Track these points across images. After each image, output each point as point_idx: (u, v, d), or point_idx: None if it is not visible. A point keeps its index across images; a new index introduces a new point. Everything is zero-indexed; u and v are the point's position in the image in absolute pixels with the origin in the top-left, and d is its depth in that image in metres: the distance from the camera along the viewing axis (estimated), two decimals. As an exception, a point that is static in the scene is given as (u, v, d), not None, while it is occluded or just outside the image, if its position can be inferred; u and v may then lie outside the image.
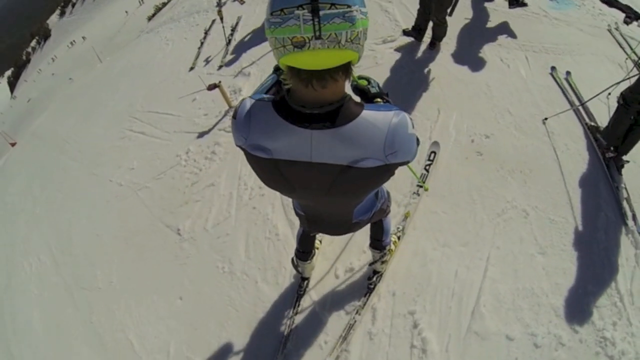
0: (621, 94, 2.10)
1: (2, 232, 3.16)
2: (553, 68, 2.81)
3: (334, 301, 2.27)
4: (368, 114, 0.82)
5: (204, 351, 2.28)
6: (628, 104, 2.02)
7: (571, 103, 2.62)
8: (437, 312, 2.09)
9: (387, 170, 0.88)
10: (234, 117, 0.91)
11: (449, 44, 3.21)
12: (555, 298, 1.89)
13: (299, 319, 2.24)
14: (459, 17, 3.19)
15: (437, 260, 2.25)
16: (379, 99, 1.12)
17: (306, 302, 2.29)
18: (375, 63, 3.28)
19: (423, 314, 2.10)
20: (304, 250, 2.02)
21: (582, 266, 1.95)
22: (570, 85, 2.70)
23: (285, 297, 2.36)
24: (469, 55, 3.13)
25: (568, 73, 2.76)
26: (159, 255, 2.76)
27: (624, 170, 2.21)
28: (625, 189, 2.16)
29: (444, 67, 3.10)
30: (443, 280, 2.18)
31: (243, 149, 0.93)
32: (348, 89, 0.87)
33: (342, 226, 1.37)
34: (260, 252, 2.58)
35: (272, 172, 0.92)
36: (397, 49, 3.31)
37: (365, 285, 2.21)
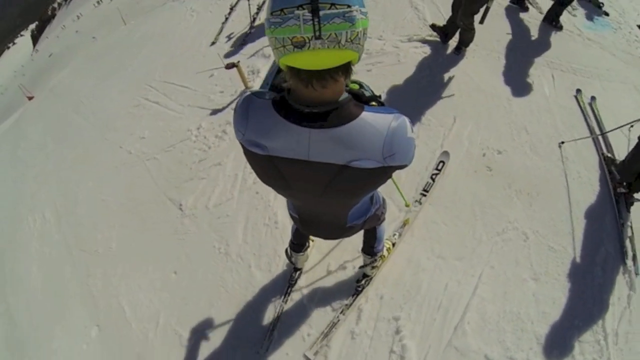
0: None
1: (11, 186, 3.25)
2: (578, 91, 2.71)
3: (323, 296, 2.30)
4: (368, 116, 0.82)
5: (192, 326, 2.36)
6: None
7: (591, 130, 2.54)
8: (421, 322, 2.11)
9: (384, 173, 0.89)
10: (235, 110, 0.92)
11: (475, 50, 3.12)
12: (540, 326, 1.89)
13: (286, 308, 2.29)
14: (490, 25, 3.08)
15: (429, 271, 2.25)
16: (373, 103, 1.11)
17: (296, 293, 2.33)
18: (398, 61, 3.21)
19: (407, 321, 2.12)
20: (299, 243, 2.04)
21: (572, 298, 1.94)
22: (593, 111, 2.61)
23: (276, 285, 2.40)
24: (493, 65, 3.04)
25: (593, 98, 2.67)
26: (160, 228, 2.82)
27: (632, 208, 2.16)
28: (631, 227, 2.12)
29: (466, 74, 3.02)
30: (432, 291, 2.19)
31: (241, 143, 0.94)
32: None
33: (335, 230, 1.38)
34: (258, 238, 2.61)
35: (269, 168, 0.93)
36: (422, 47, 3.22)
37: (354, 286, 2.24)
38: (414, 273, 2.26)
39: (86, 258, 2.80)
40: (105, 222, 2.95)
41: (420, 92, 2.99)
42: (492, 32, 3.14)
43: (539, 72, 2.90)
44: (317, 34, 0.68)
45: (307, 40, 0.69)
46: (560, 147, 2.50)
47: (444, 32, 3.17)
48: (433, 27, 3.28)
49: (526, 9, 3.35)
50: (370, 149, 0.83)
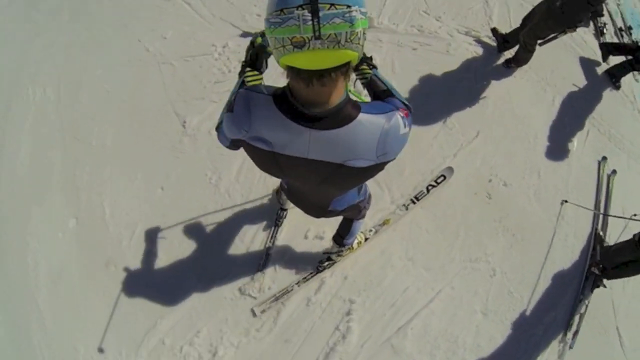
0: None
1: (18, 47, 3.02)
2: (604, 158, 2.66)
3: (293, 260, 2.42)
4: (364, 118, 0.85)
5: (165, 245, 2.47)
6: None
7: (597, 204, 2.56)
8: (372, 312, 2.29)
9: (377, 168, 0.94)
10: (230, 110, 0.91)
11: (525, 72, 2.93)
12: (469, 355, 2.08)
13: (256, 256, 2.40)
14: (551, 53, 2.86)
15: (397, 269, 2.38)
16: (363, 66, 1.17)
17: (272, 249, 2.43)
18: (447, 51, 3.00)
19: (360, 307, 2.30)
20: None
21: (507, 344, 2.13)
22: (608, 184, 2.60)
23: (255, 231, 2.48)
24: (537, 94, 2.89)
25: (614, 172, 2.63)
26: (158, 139, 2.77)
27: (596, 291, 2.28)
28: (587, 306, 2.26)
29: (507, 93, 2.88)
30: (392, 288, 2.34)
31: (239, 140, 0.94)
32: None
33: (317, 210, 1.46)
34: (250, 181, 2.63)
35: (270, 162, 0.95)
36: (475, 45, 3.01)
37: (316, 264, 2.34)
38: (383, 266, 2.39)
39: (78, 148, 2.76)
40: (105, 116, 2.86)
41: (455, 92, 2.86)
42: (550, 61, 2.93)
43: (576, 122, 2.79)
44: (317, 34, 0.68)
45: (307, 41, 0.69)
46: (562, 204, 2.52)
47: (504, 41, 2.95)
48: (494, 31, 3.04)
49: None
50: (365, 149, 0.87)
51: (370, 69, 1.18)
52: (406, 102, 1.07)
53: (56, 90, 2.95)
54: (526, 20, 2.74)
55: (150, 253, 2.46)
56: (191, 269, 2.42)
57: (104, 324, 2.34)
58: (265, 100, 0.87)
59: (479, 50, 3.03)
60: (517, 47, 2.87)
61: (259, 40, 1.23)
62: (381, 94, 1.10)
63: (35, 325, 2.35)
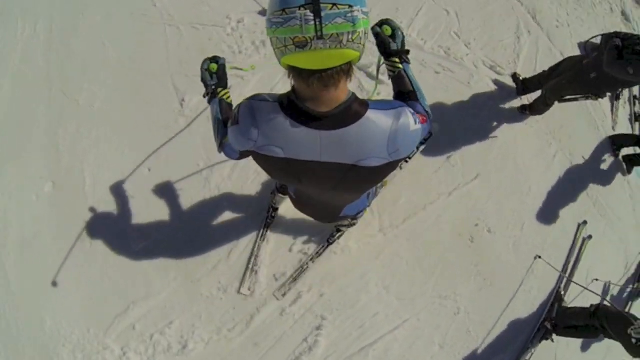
0: (598, 308, 2.26)
1: None
2: (585, 222, 2.80)
3: (283, 257, 2.47)
4: (372, 115, 0.84)
5: (146, 231, 2.42)
6: (597, 318, 2.20)
7: (566, 264, 2.72)
8: (340, 330, 2.41)
9: (391, 167, 0.93)
10: (236, 122, 0.90)
11: (537, 122, 2.91)
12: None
13: (245, 254, 2.42)
14: (568, 108, 2.86)
15: (371, 295, 2.48)
16: (396, 59, 1.12)
17: (262, 249, 2.44)
18: (467, 83, 2.91)
19: (330, 324, 2.41)
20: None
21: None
22: (581, 247, 2.75)
23: (244, 231, 2.47)
24: (541, 148, 2.89)
25: (590, 237, 2.78)
26: (152, 113, 2.59)
27: (544, 342, 2.50)
28: (532, 355, 2.49)
29: (514, 140, 2.87)
30: (363, 312, 2.46)
31: (248, 152, 0.93)
32: (351, 86, 0.88)
33: (328, 216, 1.47)
34: (243, 180, 2.56)
35: (284, 169, 0.94)
36: (496, 83, 2.94)
37: (300, 268, 2.42)
38: (359, 290, 2.48)
39: (64, 103, 2.52)
40: (97, 73, 2.60)
41: (466, 128, 2.83)
42: (562, 115, 2.90)
43: (570, 183, 2.87)
44: (319, 34, 0.68)
45: (309, 41, 0.69)
46: (535, 259, 2.67)
47: (524, 87, 2.90)
48: (515, 77, 2.96)
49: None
50: (377, 147, 0.86)
51: (401, 63, 1.13)
52: (427, 109, 1.08)
53: (47, 30, 2.63)
54: (553, 71, 2.68)
55: (128, 237, 2.40)
56: (171, 260, 2.40)
57: (73, 300, 2.32)
58: (271, 107, 0.86)
59: (498, 89, 2.96)
60: (535, 93, 2.85)
61: (214, 66, 1.30)
62: (405, 95, 1.09)
63: (0, 290, 2.28)
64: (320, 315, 2.41)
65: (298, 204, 1.47)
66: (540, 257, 2.65)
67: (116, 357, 2.28)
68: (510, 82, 2.98)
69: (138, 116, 2.57)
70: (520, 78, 2.93)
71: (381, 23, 1.13)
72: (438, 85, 2.87)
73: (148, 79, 2.66)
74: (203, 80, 1.30)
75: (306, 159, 0.89)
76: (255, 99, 0.89)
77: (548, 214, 2.79)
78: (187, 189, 2.49)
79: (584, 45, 3.17)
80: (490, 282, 2.62)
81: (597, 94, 2.44)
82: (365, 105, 0.85)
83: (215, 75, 1.29)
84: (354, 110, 0.83)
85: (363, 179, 0.96)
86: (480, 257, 2.65)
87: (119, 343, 2.29)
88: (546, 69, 2.77)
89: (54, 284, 2.32)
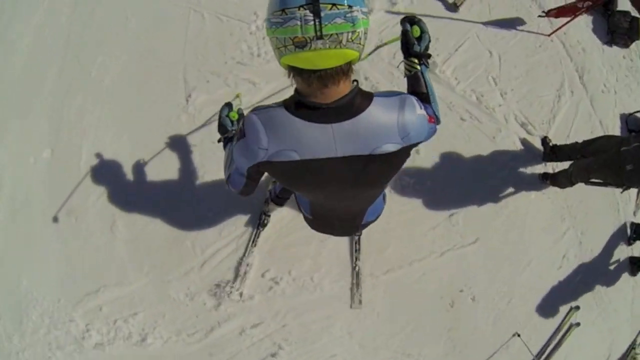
0: None
1: None
2: (577, 307, 2.63)
3: (272, 264, 2.45)
4: (378, 101, 0.86)
5: (131, 222, 2.42)
6: None
7: (544, 347, 2.59)
8: (294, 363, 2.40)
9: (405, 153, 0.93)
10: (243, 136, 0.88)
11: (557, 194, 2.66)
12: None
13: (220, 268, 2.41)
14: (590, 190, 2.57)
15: (333, 336, 2.45)
16: (415, 59, 1.11)
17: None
18: (493, 137, 2.67)
19: (286, 354, 2.42)
20: (283, 197, 2.15)
21: None
22: (565, 334, 2.61)
23: (229, 237, 2.45)
24: (552, 222, 2.68)
25: (577, 324, 2.61)
26: (157, 101, 2.51)
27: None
28: None
29: (525, 209, 2.64)
30: (322, 351, 2.44)
31: (259, 167, 0.92)
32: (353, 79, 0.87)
33: (349, 227, 1.47)
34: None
35: (301, 173, 0.93)
36: (523, 142, 2.70)
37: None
38: (322, 329, 2.44)
39: (76, 71, 2.49)
40: (113, 47, 2.52)
41: (478, 187, 2.62)
42: (586, 191, 2.59)
43: (572, 265, 2.67)
44: (319, 34, 0.69)
45: (309, 41, 0.70)
46: (513, 336, 2.54)
47: (552, 153, 2.64)
48: (544, 141, 2.70)
49: None
50: (388, 131, 0.86)
51: (420, 64, 1.11)
52: (438, 114, 1.09)
53: (72, -3, 2.58)
54: (586, 146, 2.42)
55: (113, 224, 2.41)
56: (148, 255, 2.41)
57: (50, 269, 2.39)
58: (278, 112, 0.85)
59: (524, 149, 2.72)
60: (562, 163, 2.61)
61: (234, 115, 1.31)
62: (418, 95, 1.06)
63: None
64: (279, 344, 2.41)
65: (316, 222, 1.44)
66: (519, 335, 2.52)
67: (79, 331, 2.36)
68: (538, 144, 2.73)
69: (143, 105, 2.51)
70: (550, 144, 2.67)
71: (412, 22, 1.10)
72: (460, 134, 2.66)
73: (160, 66, 2.57)
74: (222, 125, 1.29)
75: (323, 157, 0.87)
76: (259, 109, 0.89)
77: (540, 292, 2.63)
78: (178, 187, 2.46)
79: (625, 118, 2.88)
80: (459, 351, 2.53)
81: (629, 187, 2.21)
82: (369, 94, 0.87)
83: (236, 122, 1.31)
84: (359, 100, 0.84)
85: (383, 168, 0.95)
86: (456, 323, 2.54)
87: (84, 319, 2.37)
88: (579, 140, 2.51)
89: (35, 249, 2.39)
